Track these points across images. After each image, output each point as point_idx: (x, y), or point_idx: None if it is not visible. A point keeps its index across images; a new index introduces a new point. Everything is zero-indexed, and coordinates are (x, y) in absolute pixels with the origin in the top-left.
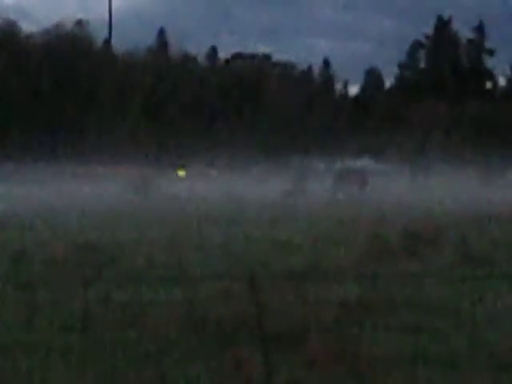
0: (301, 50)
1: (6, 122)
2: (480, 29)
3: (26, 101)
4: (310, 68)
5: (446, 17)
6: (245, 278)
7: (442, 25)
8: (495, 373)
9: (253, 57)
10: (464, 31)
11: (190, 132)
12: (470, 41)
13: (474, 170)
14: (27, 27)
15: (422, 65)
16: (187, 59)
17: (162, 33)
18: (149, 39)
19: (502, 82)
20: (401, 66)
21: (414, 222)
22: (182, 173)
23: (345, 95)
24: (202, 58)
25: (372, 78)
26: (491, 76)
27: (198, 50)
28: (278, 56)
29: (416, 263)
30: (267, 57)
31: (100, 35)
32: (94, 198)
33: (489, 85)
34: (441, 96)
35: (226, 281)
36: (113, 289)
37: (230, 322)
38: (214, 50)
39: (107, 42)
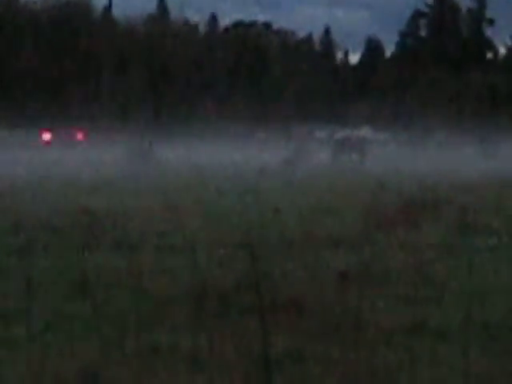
0: (301, 18)
1: (8, 88)
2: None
3: (25, 67)
4: (310, 36)
5: None
6: (243, 245)
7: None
8: (487, 343)
9: (253, 25)
10: (464, 0)
11: (190, 100)
12: (470, 10)
13: (473, 140)
14: None
15: (423, 33)
16: (187, 26)
17: (162, 0)
18: (149, 6)
19: (502, 51)
20: (401, 35)
21: (414, 191)
22: None
23: (345, 63)
24: (202, 26)
25: (372, 46)
26: (491, 45)
27: (198, 17)
28: (279, 24)
29: (415, 233)
30: (267, 25)
31: (100, 2)
32: (92, 165)
33: (489, 54)
34: (441, 65)
35: (224, 248)
36: (112, 255)
37: (229, 290)
38: (214, 18)
39: (107, 9)
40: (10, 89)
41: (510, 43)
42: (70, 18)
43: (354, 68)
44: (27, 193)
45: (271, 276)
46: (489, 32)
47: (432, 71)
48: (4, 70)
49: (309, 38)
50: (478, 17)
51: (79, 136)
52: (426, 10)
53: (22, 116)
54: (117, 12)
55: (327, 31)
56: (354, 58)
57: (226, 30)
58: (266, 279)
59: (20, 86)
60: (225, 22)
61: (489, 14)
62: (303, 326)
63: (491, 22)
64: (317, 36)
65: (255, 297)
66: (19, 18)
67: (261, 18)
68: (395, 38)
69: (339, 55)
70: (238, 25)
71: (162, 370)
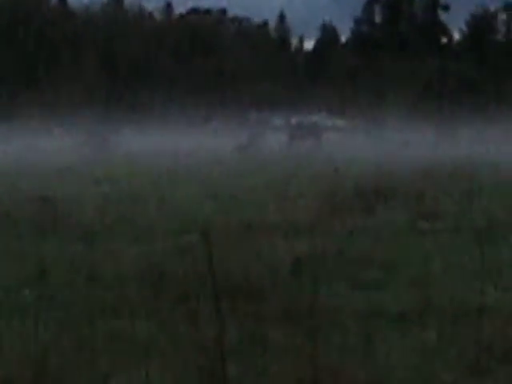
0: (256, 4)
1: None
2: None
3: None
4: (265, 23)
5: None
6: (198, 232)
7: None
8: (441, 327)
9: (208, 12)
10: None
11: (144, 87)
12: None
13: (429, 126)
14: None
15: (378, 20)
16: (142, 14)
17: None
18: None
19: (456, 37)
20: (356, 21)
21: (367, 178)
22: None
23: (300, 50)
24: (157, 13)
25: (327, 32)
26: (446, 31)
27: (153, 4)
28: (234, 11)
29: (370, 219)
30: (223, 11)
31: None
32: (49, 154)
33: (444, 39)
34: (397, 51)
35: (178, 235)
36: (67, 243)
37: (185, 278)
38: (169, 5)
39: None
40: None
41: (464, 29)
42: (23, 5)
43: (309, 54)
44: None
45: (227, 262)
46: (444, 17)
47: (386, 57)
48: None
49: (264, 25)
50: (433, 2)
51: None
52: None
53: None
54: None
55: (282, 18)
56: (310, 45)
57: (181, 17)
58: (222, 265)
59: None
60: (180, 9)
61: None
62: (259, 311)
63: (446, 8)
64: (272, 23)
65: (210, 283)
66: None
67: (216, 5)
68: (350, 24)
69: (294, 42)
70: (192, 12)
71: (118, 357)
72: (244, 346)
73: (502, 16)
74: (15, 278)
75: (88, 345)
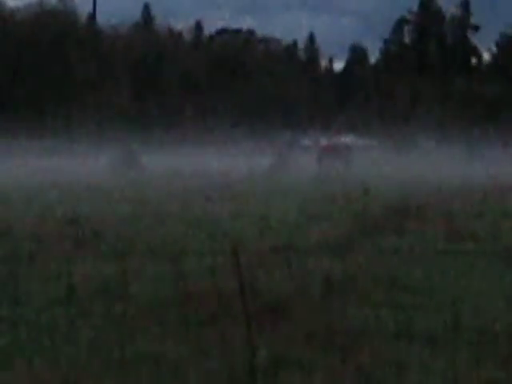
0: (285, 25)
1: None
2: (465, 4)
3: (10, 76)
4: (294, 43)
5: None
6: (231, 252)
7: (427, 0)
8: (471, 349)
9: (237, 32)
10: (449, 7)
11: (177, 109)
12: (454, 16)
13: (459, 146)
14: (11, 2)
15: (407, 40)
16: (172, 34)
17: (146, 8)
18: (134, 15)
19: (486, 57)
20: (386, 42)
21: (399, 197)
22: None
23: (330, 70)
24: (187, 34)
25: (357, 53)
26: (476, 52)
27: (183, 25)
28: (263, 31)
29: (402, 239)
30: (251, 32)
31: (84, 10)
32: (83, 174)
33: (474, 60)
34: (426, 71)
35: (212, 256)
36: (98, 263)
37: (215, 298)
38: (198, 26)
39: (91, 17)
40: None
41: (494, 49)
42: (54, 25)
43: (339, 75)
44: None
45: (258, 282)
46: (473, 38)
47: (416, 78)
48: None
49: (293, 46)
50: (463, 23)
51: None
52: (411, 16)
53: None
54: (101, 20)
55: (311, 38)
56: (339, 65)
57: (211, 37)
58: (253, 285)
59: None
60: (210, 29)
61: (474, 20)
62: (289, 331)
63: (476, 28)
64: (301, 43)
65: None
66: (6, 25)
67: (245, 25)
68: (380, 45)
69: (324, 62)
70: (222, 32)
71: (146, 378)
72: (274, 366)
73: None
74: (45, 300)
75: (117, 365)
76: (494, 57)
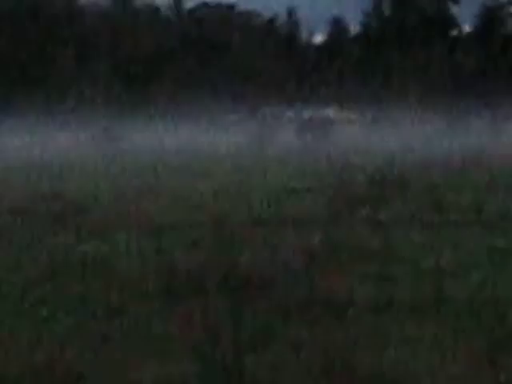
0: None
1: None
2: None
3: None
4: (274, 18)
5: None
6: (215, 226)
7: None
8: (456, 320)
9: (217, 6)
10: None
11: (156, 84)
12: None
13: (440, 117)
14: None
15: (387, 13)
16: (151, 9)
17: None
18: None
19: (466, 29)
20: (366, 15)
21: (381, 169)
22: None
23: (310, 44)
24: (166, 8)
25: (337, 26)
26: (456, 24)
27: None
28: (243, 6)
29: (383, 210)
30: (231, 6)
31: None
32: (64, 149)
33: (454, 32)
34: (405, 44)
35: (194, 229)
36: (79, 238)
37: (200, 271)
38: (177, 0)
39: None
40: None
41: (474, 21)
42: (31, 2)
43: (319, 48)
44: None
45: (242, 255)
46: (453, 10)
47: (395, 50)
48: None
49: (273, 20)
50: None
51: None
52: None
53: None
54: None
55: (291, 13)
56: (318, 39)
57: (190, 11)
58: (237, 258)
59: None
60: (189, 4)
61: None
62: (271, 302)
63: (455, 1)
64: (281, 17)
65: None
66: None
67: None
68: (360, 17)
69: (304, 36)
70: (202, 7)
71: (134, 351)
72: (259, 336)
73: (510, 9)
74: (25, 276)
75: (103, 338)
76: (475, 29)
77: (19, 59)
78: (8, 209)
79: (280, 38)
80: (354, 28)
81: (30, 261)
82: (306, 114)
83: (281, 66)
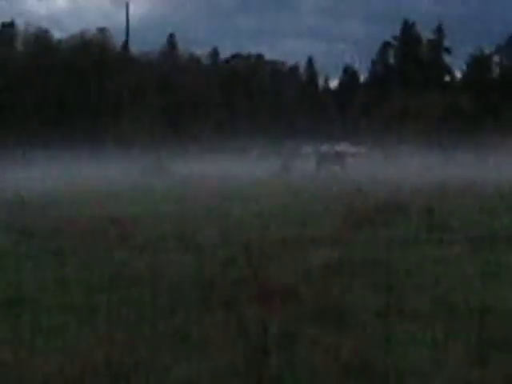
0: (288, 50)
1: (38, 111)
2: (439, 30)
3: (56, 96)
4: (296, 65)
5: (410, 21)
6: (246, 244)
7: (408, 28)
8: (451, 323)
9: (248, 56)
10: (426, 33)
11: (197, 122)
12: (430, 40)
13: (437, 152)
14: (58, 34)
15: (391, 62)
16: (193, 59)
17: (171, 37)
18: (161, 42)
19: (458, 75)
20: (373, 63)
21: (386, 195)
22: None
23: (326, 88)
24: (205, 58)
25: (349, 73)
26: (449, 71)
27: (202, 51)
28: (269, 55)
29: (389, 230)
30: (260, 56)
31: (119, 40)
32: (120, 178)
33: (447, 78)
34: (407, 88)
35: (230, 248)
36: (134, 255)
37: (229, 283)
38: (215, 51)
39: (125, 46)
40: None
41: (464, 68)
42: (92, 53)
43: (334, 92)
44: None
45: (267, 268)
46: (447, 59)
47: (398, 94)
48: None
49: (295, 67)
50: (438, 46)
51: None
52: (394, 41)
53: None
54: (133, 47)
55: (310, 61)
56: (334, 83)
57: (226, 61)
58: (264, 272)
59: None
60: (225, 54)
61: (447, 43)
62: (296, 311)
63: (448, 50)
64: (302, 65)
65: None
66: (52, 54)
67: (254, 50)
68: (368, 65)
69: (321, 81)
70: (235, 57)
71: (177, 351)
72: (284, 340)
73: (496, 58)
74: (90, 285)
75: (151, 340)
76: (465, 75)
77: (82, 103)
78: (78, 231)
79: (301, 83)
80: (363, 75)
81: (94, 272)
82: (323, 148)
83: (302, 108)
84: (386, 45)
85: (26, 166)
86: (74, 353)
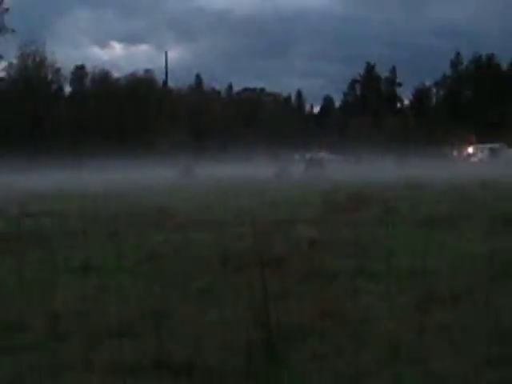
0: (284, 84)
1: (102, 130)
2: (393, 70)
3: (114, 115)
4: (289, 96)
5: (372, 63)
6: (252, 223)
7: (369, 68)
8: (401, 281)
9: (254, 90)
10: (384, 72)
11: (217, 141)
12: (386, 78)
13: (393, 158)
14: (116, 74)
15: (358, 93)
16: (214, 92)
17: (198, 75)
18: (190, 79)
19: (406, 102)
20: (345, 94)
21: (355, 190)
22: None
23: (311, 112)
24: (223, 92)
25: (327, 101)
26: (400, 99)
27: (220, 85)
28: (270, 88)
29: (356, 215)
30: (262, 89)
31: (160, 78)
32: (160, 180)
33: (399, 105)
34: (369, 112)
35: (241, 226)
36: (172, 233)
37: (240, 253)
38: (230, 86)
39: (164, 82)
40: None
41: (411, 98)
42: (141, 87)
43: (316, 115)
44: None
45: (267, 242)
46: (398, 91)
47: (363, 116)
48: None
49: (288, 97)
50: (392, 81)
51: None
52: (360, 78)
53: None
54: (170, 83)
55: (299, 93)
56: (316, 109)
57: (238, 93)
58: (264, 245)
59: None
60: (237, 88)
61: (399, 79)
62: (288, 273)
63: (400, 84)
64: (293, 96)
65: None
66: (112, 88)
67: (259, 84)
68: (341, 96)
69: (307, 107)
70: (245, 90)
71: (203, 302)
72: (278, 295)
73: (434, 89)
74: (136, 257)
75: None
76: (411, 103)
77: (133, 124)
78: (126, 214)
79: (292, 109)
80: (338, 102)
81: (142, 246)
82: (308, 156)
83: (293, 128)
84: (354, 81)
85: (93, 171)
86: (127, 302)
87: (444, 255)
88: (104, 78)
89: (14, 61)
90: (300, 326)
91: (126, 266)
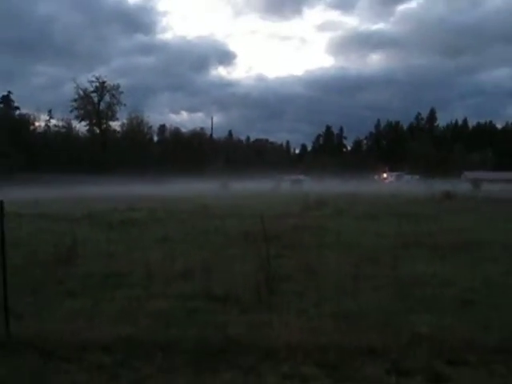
0: (280, 136)
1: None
2: (341, 129)
3: (179, 157)
4: (281, 144)
5: (329, 125)
6: (258, 217)
7: (328, 128)
8: (346, 250)
9: (262, 140)
10: (335, 130)
11: (240, 168)
12: (337, 134)
13: (342, 179)
14: (183, 130)
15: (321, 142)
16: (239, 141)
17: (230, 131)
18: (225, 133)
19: (349, 147)
20: (313, 143)
21: (319, 198)
22: None
23: (294, 153)
24: (244, 141)
25: (304, 147)
26: (346, 148)
27: (243, 136)
28: (272, 138)
29: (321, 211)
30: (267, 140)
31: (208, 132)
32: (202, 193)
33: (344, 150)
34: (327, 153)
35: (253, 218)
36: (214, 221)
37: (254, 232)
38: (248, 137)
39: (211, 135)
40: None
41: (352, 145)
42: (197, 138)
43: (298, 154)
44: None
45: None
46: (345, 142)
47: (324, 156)
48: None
49: (281, 144)
50: (341, 136)
51: None
52: (322, 133)
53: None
54: (214, 136)
55: (288, 142)
56: (297, 151)
57: (253, 142)
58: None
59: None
60: (252, 138)
61: (345, 135)
62: (281, 244)
63: (345, 138)
64: (284, 143)
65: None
66: (182, 139)
67: (264, 136)
68: (312, 144)
69: (292, 150)
70: (257, 140)
71: (230, 261)
72: (276, 256)
73: (365, 141)
74: (186, 236)
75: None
76: (353, 148)
77: (192, 163)
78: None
79: (283, 152)
80: (310, 147)
81: (194, 228)
82: (292, 177)
83: (283, 163)
84: (319, 135)
85: (169, 186)
86: (188, 259)
87: (369, 234)
88: (176, 133)
89: (125, 121)
90: (287, 274)
91: (187, 238)
